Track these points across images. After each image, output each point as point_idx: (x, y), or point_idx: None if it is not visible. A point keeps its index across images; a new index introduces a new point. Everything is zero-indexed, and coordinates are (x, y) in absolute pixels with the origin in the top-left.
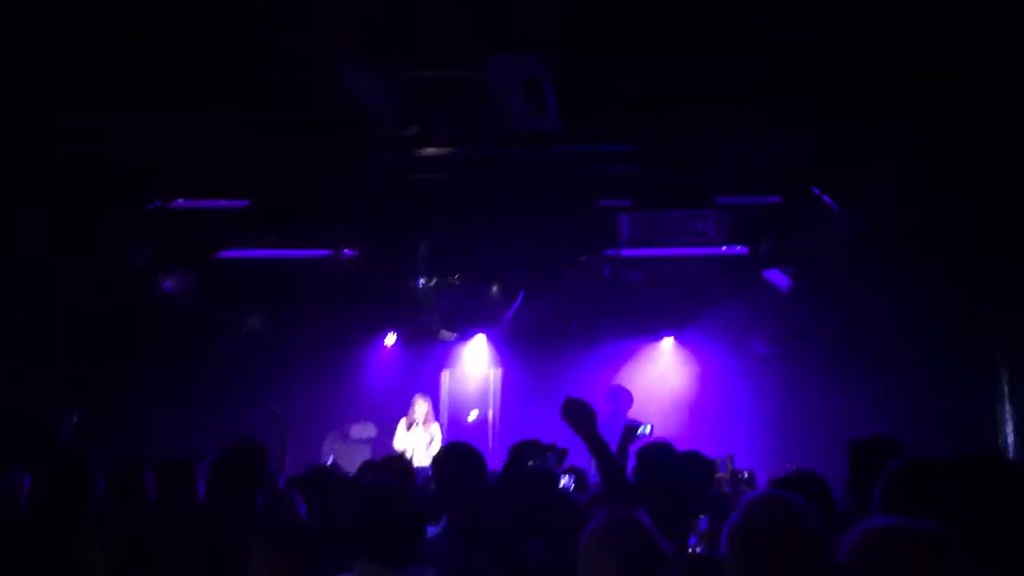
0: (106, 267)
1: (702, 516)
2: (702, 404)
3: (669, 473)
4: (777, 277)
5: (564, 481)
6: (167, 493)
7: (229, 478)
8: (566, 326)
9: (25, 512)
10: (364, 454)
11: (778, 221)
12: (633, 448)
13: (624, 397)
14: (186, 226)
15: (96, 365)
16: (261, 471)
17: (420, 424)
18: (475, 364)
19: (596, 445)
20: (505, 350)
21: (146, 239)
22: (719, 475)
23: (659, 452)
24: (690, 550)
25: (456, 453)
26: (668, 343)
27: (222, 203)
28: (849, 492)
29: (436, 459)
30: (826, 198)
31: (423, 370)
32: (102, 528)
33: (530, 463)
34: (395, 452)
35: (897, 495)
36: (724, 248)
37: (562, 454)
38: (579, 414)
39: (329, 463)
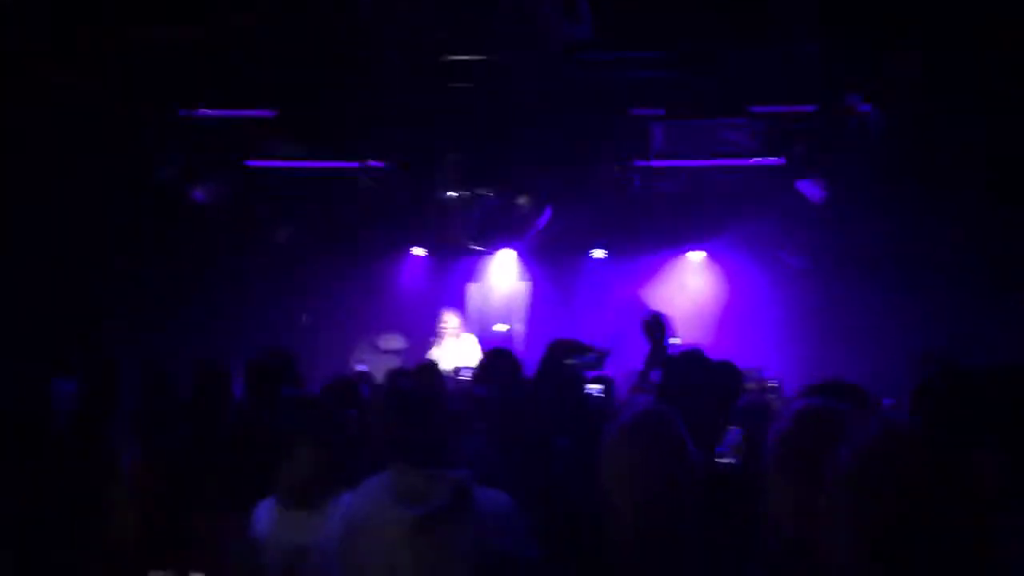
0: (135, 176)
1: (732, 427)
2: (730, 318)
3: (699, 379)
4: (810, 188)
5: (594, 389)
6: (203, 396)
7: (262, 383)
8: (594, 239)
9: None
10: (393, 365)
11: (813, 130)
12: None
13: (664, 324)
14: (215, 135)
15: (127, 275)
16: (292, 377)
17: (451, 337)
18: (503, 278)
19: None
20: (533, 263)
21: (175, 148)
22: (748, 386)
23: (690, 357)
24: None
25: (494, 355)
26: (697, 256)
27: (250, 112)
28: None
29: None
30: (863, 105)
31: (450, 283)
32: (140, 428)
33: (567, 361)
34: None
35: (935, 405)
36: (757, 159)
37: (602, 355)
38: (656, 325)
39: (360, 371)
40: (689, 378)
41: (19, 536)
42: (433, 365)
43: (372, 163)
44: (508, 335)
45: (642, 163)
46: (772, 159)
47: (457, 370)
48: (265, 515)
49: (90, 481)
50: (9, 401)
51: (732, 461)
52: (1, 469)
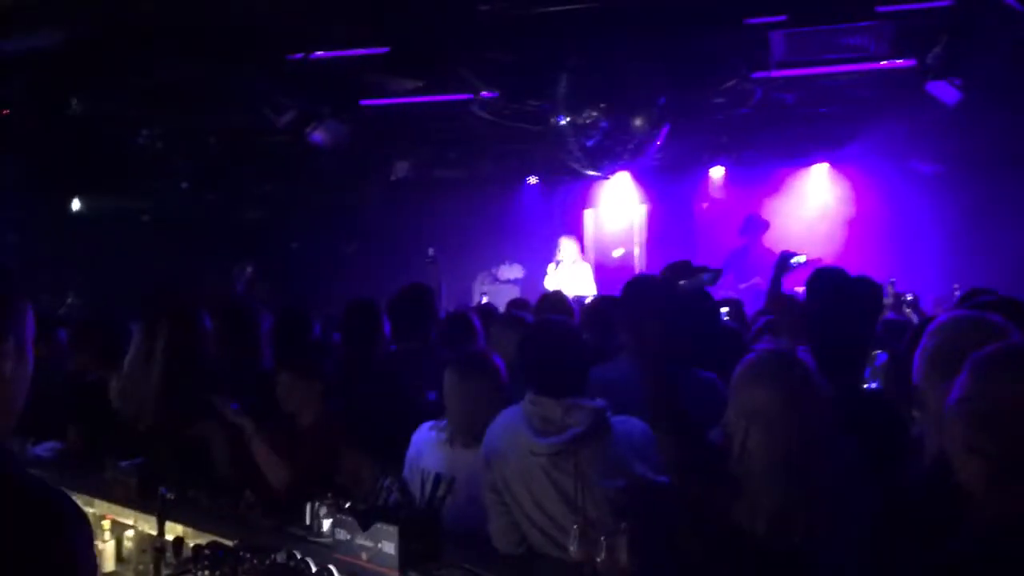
0: (252, 123)
1: (878, 352)
2: (858, 230)
3: (841, 297)
4: (943, 91)
5: (723, 312)
6: (355, 333)
7: (407, 319)
8: (714, 156)
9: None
10: (513, 294)
11: (947, 28)
12: (788, 279)
13: (759, 225)
14: (327, 77)
15: (256, 220)
16: (434, 310)
17: (568, 263)
18: (619, 202)
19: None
20: (650, 186)
21: (289, 93)
22: (884, 301)
23: (832, 275)
24: (865, 385)
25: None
26: (822, 168)
27: (361, 52)
28: None
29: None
30: None
31: (567, 210)
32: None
33: (682, 283)
34: (547, 290)
35: None
36: (885, 63)
37: (716, 275)
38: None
39: (483, 302)
40: (830, 299)
41: None
42: (559, 295)
43: (484, 93)
44: (627, 259)
45: (762, 74)
46: (901, 62)
47: (577, 298)
48: (424, 443)
49: None
50: None
51: (875, 385)
52: None
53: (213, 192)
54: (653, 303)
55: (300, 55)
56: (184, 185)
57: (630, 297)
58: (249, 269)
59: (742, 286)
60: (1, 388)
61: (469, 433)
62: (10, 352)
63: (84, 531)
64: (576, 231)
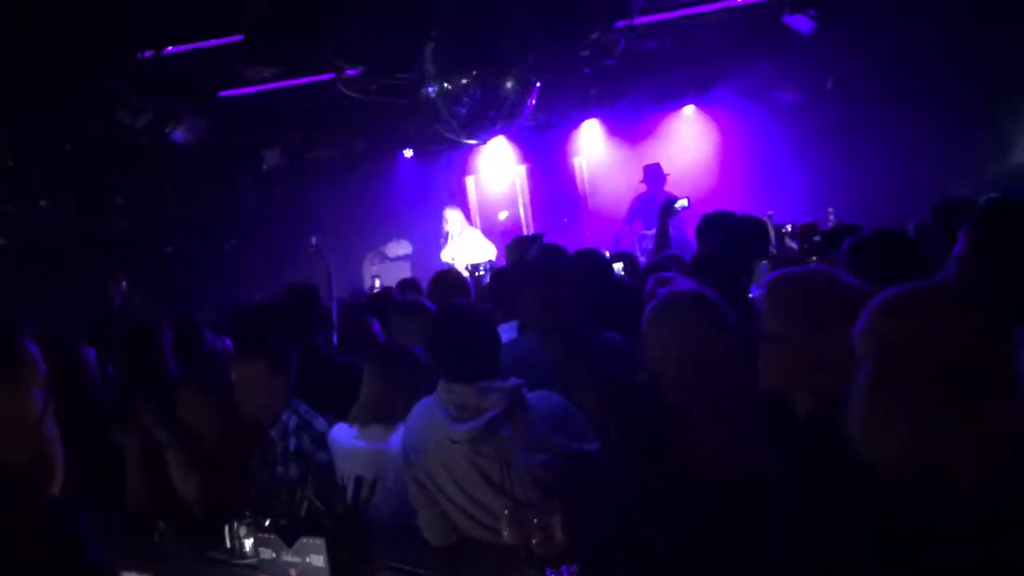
0: (108, 126)
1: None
2: (730, 168)
3: (731, 239)
4: (800, 22)
5: (617, 268)
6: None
7: (292, 320)
8: (585, 109)
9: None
10: (404, 271)
11: None
12: (673, 222)
13: (658, 174)
14: (183, 72)
15: (125, 230)
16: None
17: (457, 235)
18: (498, 165)
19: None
20: (526, 145)
21: (145, 91)
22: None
23: (720, 219)
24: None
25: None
26: (690, 110)
27: (214, 42)
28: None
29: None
30: None
31: (447, 180)
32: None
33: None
34: (439, 266)
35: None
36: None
37: (538, 238)
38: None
39: (376, 286)
40: (721, 241)
41: None
42: (453, 272)
43: (348, 71)
44: (513, 220)
45: (624, 23)
46: None
47: (473, 267)
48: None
49: None
50: None
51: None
52: None
53: (75, 207)
54: (544, 272)
55: (151, 52)
56: (43, 203)
57: (520, 270)
58: (123, 283)
59: (648, 232)
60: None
61: (382, 420)
62: (22, 390)
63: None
64: (459, 200)
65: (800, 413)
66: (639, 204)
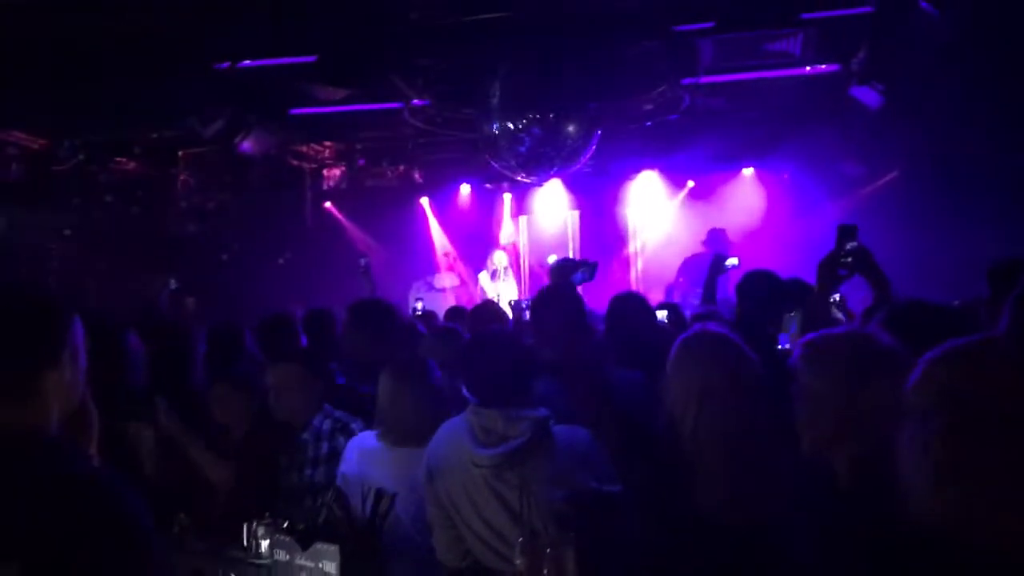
0: (179, 131)
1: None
2: (786, 232)
3: (769, 299)
4: (866, 95)
5: (661, 316)
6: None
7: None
8: (645, 161)
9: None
10: (449, 302)
11: (870, 33)
12: (723, 281)
13: (723, 241)
14: (257, 86)
15: (185, 233)
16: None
17: (501, 273)
18: (552, 208)
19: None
20: (582, 190)
21: (218, 101)
22: None
23: (759, 280)
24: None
25: (554, 294)
26: (749, 172)
27: (290, 60)
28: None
29: (535, 301)
30: (923, 3)
31: (501, 217)
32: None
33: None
34: (482, 299)
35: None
36: (809, 68)
37: (591, 267)
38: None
39: (419, 308)
40: (759, 301)
41: None
42: (494, 303)
43: (416, 101)
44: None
45: (691, 80)
46: (825, 67)
47: (516, 303)
48: (360, 453)
49: None
50: None
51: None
52: None
53: (138, 205)
54: (571, 316)
55: (227, 64)
56: (108, 199)
57: (553, 311)
58: (172, 283)
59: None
60: (60, 393)
61: (404, 433)
62: (67, 361)
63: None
64: (511, 238)
65: (840, 475)
66: (691, 264)
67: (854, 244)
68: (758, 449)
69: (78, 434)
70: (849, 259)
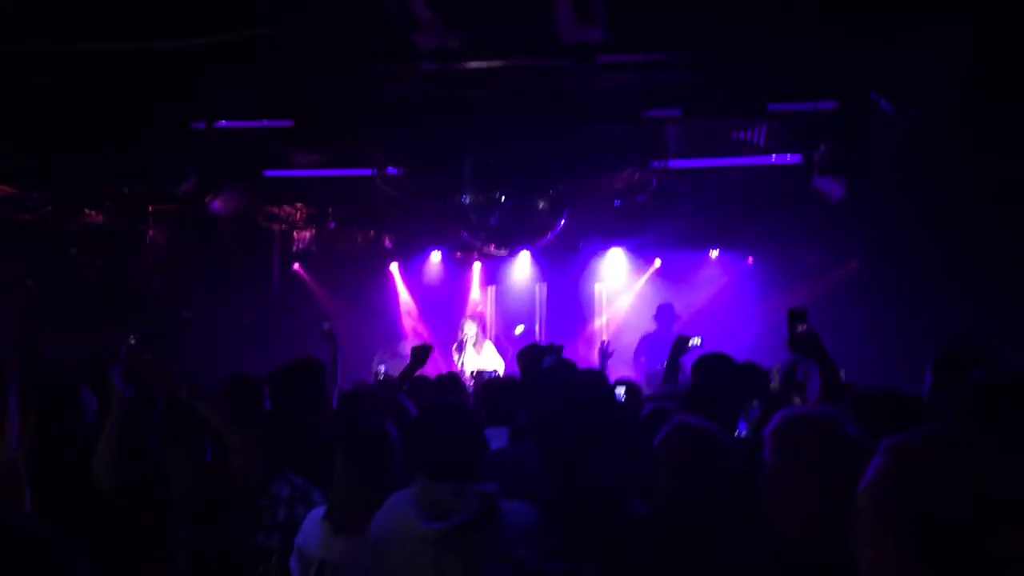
0: (154, 190)
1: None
2: (748, 314)
3: (725, 381)
4: (829, 186)
5: (618, 392)
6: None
7: (293, 393)
8: (611, 240)
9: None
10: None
11: (833, 128)
12: (686, 360)
13: (670, 315)
14: (231, 147)
15: (148, 288)
16: (322, 387)
17: (471, 344)
18: (520, 280)
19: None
20: (549, 264)
21: (192, 160)
22: (773, 386)
23: (715, 361)
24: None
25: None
26: (715, 253)
27: (266, 123)
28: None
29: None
30: (883, 103)
31: (469, 287)
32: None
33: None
34: (448, 368)
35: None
36: (774, 157)
37: (557, 351)
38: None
39: (381, 372)
40: (716, 384)
41: None
42: (455, 376)
43: (389, 169)
44: (528, 335)
45: (659, 164)
46: (789, 157)
47: (478, 373)
48: (311, 528)
49: None
50: None
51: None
52: None
53: (103, 259)
54: (548, 393)
55: (203, 123)
56: (72, 251)
57: (526, 385)
58: (132, 339)
59: (654, 370)
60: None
61: (348, 515)
62: (11, 409)
63: None
64: (478, 308)
65: (810, 554)
66: (648, 342)
67: (804, 327)
68: (734, 536)
69: (10, 493)
70: (798, 343)
